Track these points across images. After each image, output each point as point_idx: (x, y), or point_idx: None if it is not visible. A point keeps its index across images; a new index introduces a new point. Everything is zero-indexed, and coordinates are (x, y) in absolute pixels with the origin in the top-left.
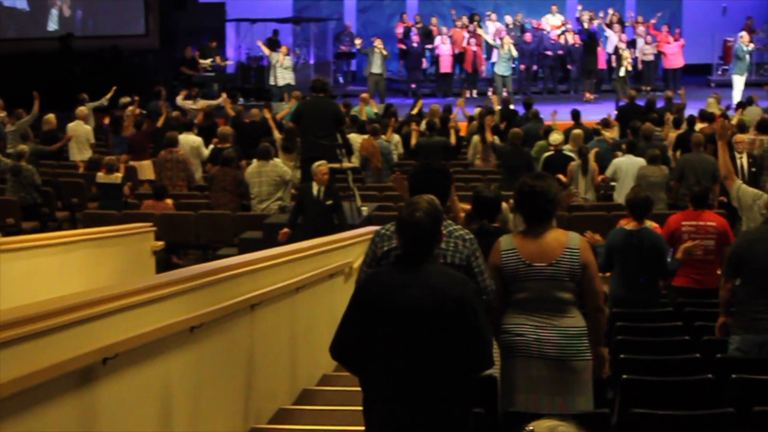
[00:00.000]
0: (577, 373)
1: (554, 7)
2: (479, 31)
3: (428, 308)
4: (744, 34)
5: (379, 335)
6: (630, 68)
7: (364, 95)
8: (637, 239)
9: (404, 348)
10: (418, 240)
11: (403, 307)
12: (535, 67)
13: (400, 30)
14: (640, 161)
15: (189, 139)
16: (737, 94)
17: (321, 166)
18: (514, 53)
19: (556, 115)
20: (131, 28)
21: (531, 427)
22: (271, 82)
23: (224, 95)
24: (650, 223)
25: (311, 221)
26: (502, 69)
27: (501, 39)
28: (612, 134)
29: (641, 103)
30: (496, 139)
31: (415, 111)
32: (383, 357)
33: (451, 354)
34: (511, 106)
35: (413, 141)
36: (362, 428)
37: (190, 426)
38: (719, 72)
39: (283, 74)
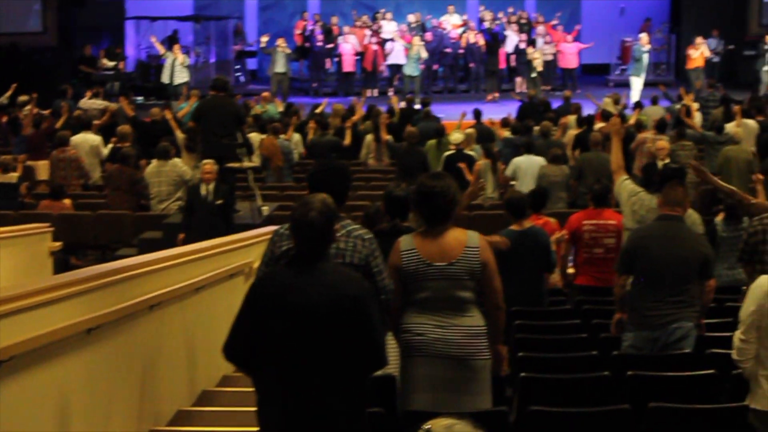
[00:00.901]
0: (476, 372)
1: (451, 7)
2: (394, 34)
3: (323, 307)
4: (643, 35)
5: (274, 335)
6: (540, 69)
7: (266, 94)
8: (524, 239)
9: (298, 348)
10: (312, 239)
11: (298, 306)
12: (435, 67)
13: (300, 28)
14: (540, 160)
15: (88, 139)
16: (635, 95)
17: (206, 164)
18: (423, 54)
19: (465, 116)
20: (29, 25)
21: (428, 426)
22: (167, 80)
23: (122, 98)
24: (551, 220)
25: (201, 222)
26: (411, 69)
27: (409, 40)
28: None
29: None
30: (390, 139)
31: (318, 110)
32: (277, 357)
33: (346, 353)
34: (417, 106)
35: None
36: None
37: (87, 428)
38: (617, 72)
39: (179, 73)
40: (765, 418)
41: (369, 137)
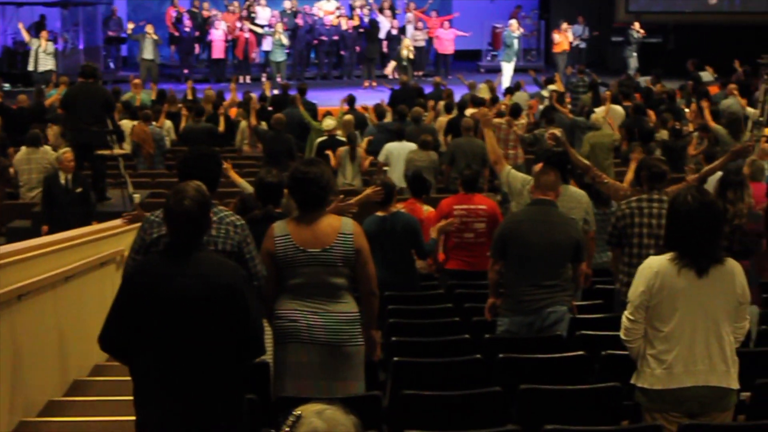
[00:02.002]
0: (349, 358)
1: None
2: (249, 25)
3: (198, 297)
4: (513, 22)
5: (149, 325)
6: (411, 56)
7: (136, 81)
8: (390, 224)
9: (175, 337)
10: (186, 228)
11: (173, 296)
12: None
13: (171, 15)
14: (411, 146)
15: None
16: (506, 80)
17: (66, 153)
18: (285, 41)
19: (345, 102)
20: None
21: (299, 412)
22: (31, 67)
23: None
24: (427, 208)
25: (61, 211)
26: (276, 56)
27: (273, 26)
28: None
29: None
30: (263, 125)
31: (190, 96)
32: (154, 347)
33: (223, 342)
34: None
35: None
36: (134, 418)
37: None
38: (488, 58)
39: (44, 60)
40: (653, 395)
41: (243, 123)
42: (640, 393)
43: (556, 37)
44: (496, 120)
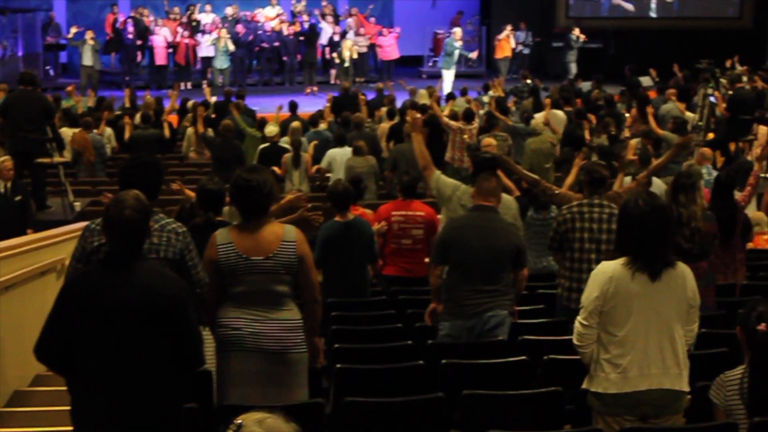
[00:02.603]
0: (292, 365)
1: (274, 0)
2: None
3: (138, 307)
4: (457, 30)
5: (87, 336)
6: (355, 55)
7: (69, 88)
8: (351, 230)
9: (112, 348)
10: (126, 237)
11: (113, 306)
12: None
13: (111, 21)
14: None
15: None
16: (447, 86)
17: (5, 161)
18: (231, 47)
19: (281, 109)
20: None
21: (240, 421)
22: None
23: None
24: (369, 212)
25: (0, 219)
26: (220, 62)
27: (219, 33)
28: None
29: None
30: (210, 131)
31: (128, 104)
32: (91, 357)
33: (162, 353)
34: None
35: (127, 134)
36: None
37: None
38: (430, 64)
39: None
40: (608, 400)
41: (190, 130)
42: (593, 397)
43: (500, 42)
44: (453, 123)
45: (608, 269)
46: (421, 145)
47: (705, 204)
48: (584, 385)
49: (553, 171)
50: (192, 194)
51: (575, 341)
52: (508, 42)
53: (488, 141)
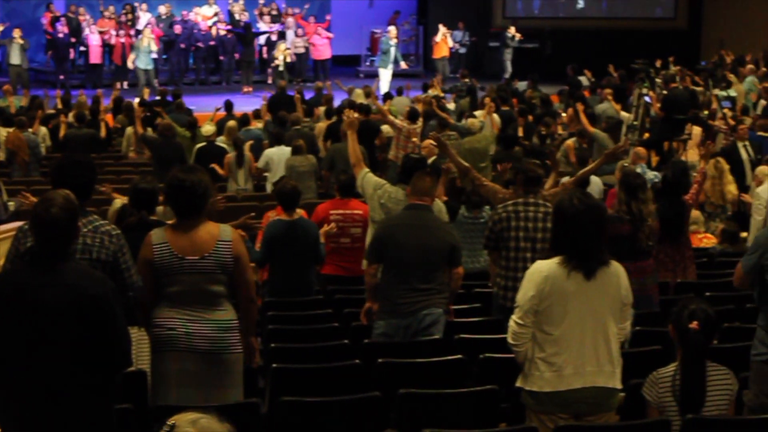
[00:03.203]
0: (228, 366)
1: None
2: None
3: (64, 307)
4: (392, 29)
5: (11, 336)
6: (288, 59)
7: (7, 87)
8: (296, 230)
9: (37, 348)
10: (53, 237)
11: (36, 307)
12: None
13: (46, 20)
14: (291, 151)
15: None
16: (384, 86)
17: None
18: (153, 47)
19: (220, 109)
20: None
21: (173, 422)
22: None
23: None
24: (299, 211)
25: None
26: (143, 63)
27: (143, 33)
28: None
29: (291, 93)
30: (150, 131)
31: (60, 105)
32: (16, 357)
33: (89, 353)
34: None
35: (61, 133)
36: None
37: None
38: (367, 63)
39: None
40: (543, 398)
41: (129, 130)
42: (527, 395)
43: (437, 42)
44: (399, 122)
45: (543, 268)
46: (355, 144)
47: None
48: (518, 384)
49: (490, 170)
50: (118, 197)
51: (510, 340)
52: (445, 42)
53: (426, 143)
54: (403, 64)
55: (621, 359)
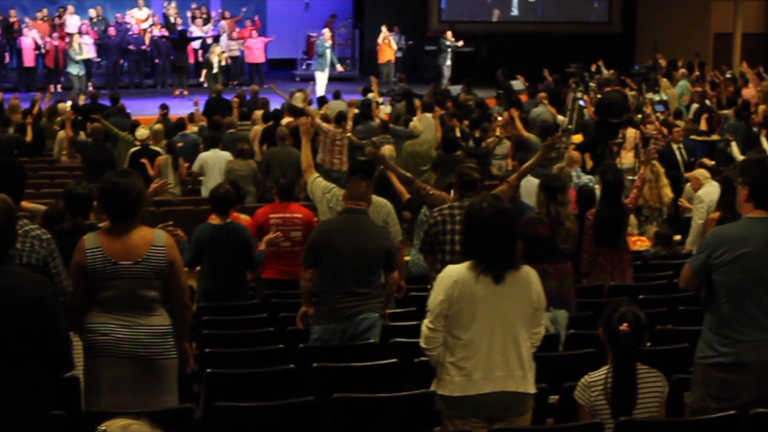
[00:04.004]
0: (162, 371)
1: (141, 1)
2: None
3: (5, 311)
4: (326, 31)
5: None
6: (223, 62)
7: None
8: (224, 233)
9: None
10: None
11: None
12: (121, 61)
13: None
14: (226, 155)
15: None
16: (320, 89)
17: None
18: (85, 51)
19: (166, 109)
20: None
21: (104, 428)
22: None
23: None
24: (244, 217)
25: None
26: (75, 67)
27: (72, 38)
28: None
29: (228, 97)
30: (82, 135)
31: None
32: None
33: (30, 357)
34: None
35: None
36: None
37: None
38: (303, 67)
39: None
40: (453, 402)
41: (62, 134)
42: (440, 400)
43: (380, 46)
44: (325, 126)
45: (453, 273)
46: (307, 149)
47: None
48: (432, 388)
49: (432, 174)
50: (34, 206)
51: (422, 344)
52: (389, 46)
53: (387, 147)
54: (339, 67)
55: (534, 364)
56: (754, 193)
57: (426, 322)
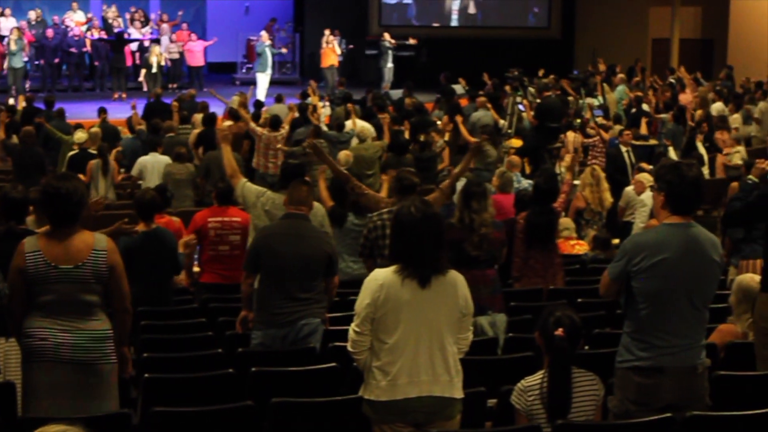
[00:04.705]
0: (101, 376)
1: (75, 4)
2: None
3: None
4: (264, 33)
5: None
6: (162, 62)
7: None
8: (152, 239)
9: None
10: None
11: None
12: (58, 63)
13: None
14: (165, 159)
15: None
16: (261, 92)
17: None
18: (19, 52)
19: (105, 113)
20: None
21: None
22: None
23: None
24: (176, 219)
25: None
26: (11, 68)
27: (30, 38)
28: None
29: (167, 100)
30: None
31: None
32: None
33: None
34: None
35: None
36: None
37: None
38: (243, 70)
39: None
40: (379, 407)
41: None
42: (367, 405)
43: (324, 50)
44: (259, 130)
45: (380, 276)
46: (229, 155)
47: (494, 212)
48: (360, 393)
49: (379, 178)
50: None
51: (349, 348)
52: (333, 51)
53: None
54: (284, 49)
55: (461, 368)
56: (670, 199)
57: (353, 326)
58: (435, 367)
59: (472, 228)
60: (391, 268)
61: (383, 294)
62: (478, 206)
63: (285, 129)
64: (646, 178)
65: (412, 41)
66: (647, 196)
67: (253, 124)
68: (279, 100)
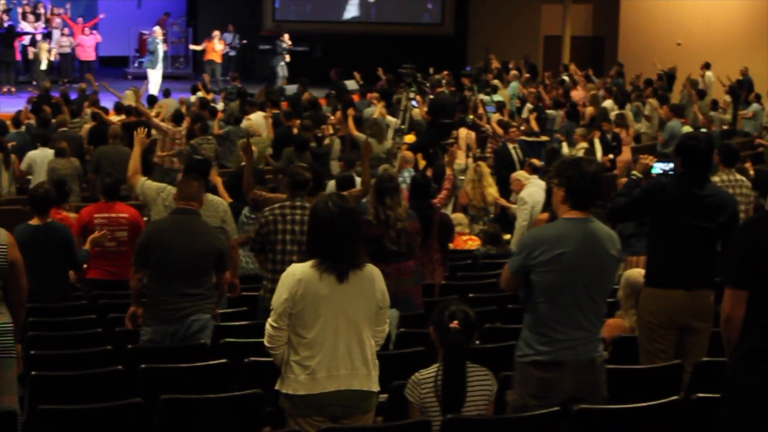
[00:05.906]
0: (5, 370)
1: None
2: None
3: None
4: (157, 28)
5: None
6: (51, 58)
7: None
8: (43, 234)
9: None
10: None
11: None
12: None
13: None
14: (53, 154)
15: None
16: (153, 87)
17: None
18: None
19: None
20: None
21: None
22: None
23: None
24: (73, 215)
25: None
26: None
27: None
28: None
29: (56, 94)
30: None
31: None
32: None
33: None
34: None
35: None
36: None
37: None
38: (136, 64)
39: None
40: (297, 401)
41: None
42: (284, 399)
43: (209, 45)
44: (163, 125)
45: (297, 271)
46: (138, 156)
47: (407, 204)
48: (276, 387)
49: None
50: None
51: (266, 343)
52: (214, 48)
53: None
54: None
55: (377, 362)
56: (570, 194)
57: (270, 321)
58: (353, 361)
59: (389, 224)
60: (309, 263)
61: (301, 289)
62: (391, 202)
63: (187, 124)
64: (522, 175)
65: (291, 44)
66: (526, 193)
67: (156, 120)
68: (167, 94)
